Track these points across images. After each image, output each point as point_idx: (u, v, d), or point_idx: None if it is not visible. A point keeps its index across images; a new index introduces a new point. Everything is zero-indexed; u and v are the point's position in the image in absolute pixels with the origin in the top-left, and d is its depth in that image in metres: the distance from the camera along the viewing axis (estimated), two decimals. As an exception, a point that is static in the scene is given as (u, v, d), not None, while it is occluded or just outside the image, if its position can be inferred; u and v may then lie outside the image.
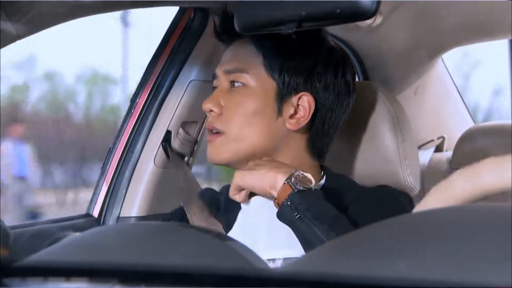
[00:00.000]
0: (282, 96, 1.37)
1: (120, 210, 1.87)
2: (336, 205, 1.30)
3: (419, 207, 0.80)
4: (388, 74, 2.17)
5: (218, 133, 1.39)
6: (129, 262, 0.74)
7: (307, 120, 1.39)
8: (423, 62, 2.20)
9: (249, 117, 1.37)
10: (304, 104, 1.38)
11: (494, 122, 2.28)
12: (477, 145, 2.10)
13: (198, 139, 1.89)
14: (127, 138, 1.87)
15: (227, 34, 1.45)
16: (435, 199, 0.78)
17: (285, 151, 1.40)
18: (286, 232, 1.29)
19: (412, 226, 0.67)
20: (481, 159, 0.76)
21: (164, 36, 1.85)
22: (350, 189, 1.40)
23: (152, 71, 1.86)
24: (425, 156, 2.26)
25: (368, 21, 1.83)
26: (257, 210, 1.40)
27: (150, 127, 1.85)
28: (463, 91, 2.42)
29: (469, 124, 2.41)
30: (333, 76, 1.41)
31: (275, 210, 1.31)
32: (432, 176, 2.18)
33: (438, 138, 2.35)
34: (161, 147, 1.85)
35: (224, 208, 1.49)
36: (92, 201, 1.89)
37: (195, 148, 1.89)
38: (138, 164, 1.86)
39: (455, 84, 2.48)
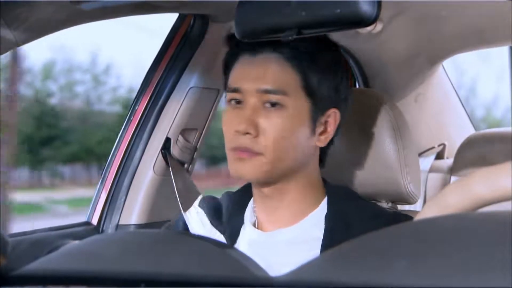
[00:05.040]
0: (316, 115, 1.35)
1: (119, 218, 1.87)
2: (339, 227, 1.30)
3: (434, 204, 0.79)
4: (389, 81, 2.17)
5: (253, 152, 1.34)
6: (128, 270, 0.74)
7: (333, 135, 1.39)
8: (424, 69, 2.20)
9: (288, 140, 1.33)
10: (331, 120, 1.37)
11: (494, 129, 2.27)
12: (478, 152, 2.10)
13: (197, 146, 1.89)
14: (126, 145, 1.87)
15: (251, 44, 1.37)
16: (431, 212, 0.78)
17: (308, 166, 1.39)
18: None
19: (411, 234, 0.66)
20: (482, 166, 0.76)
21: (163, 43, 1.85)
22: (355, 210, 1.38)
23: (151, 78, 1.86)
24: (426, 163, 2.26)
25: (369, 28, 1.82)
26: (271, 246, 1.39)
27: (149, 134, 1.85)
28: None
29: (470, 131, 2.41)
30: (347, 85, 1.41)
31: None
32: (433, 183, 2.17)
33: (439, 145, 2.35)
34: (160, 154, 1.85)
35: (226, 218, 1.48)
36: (91, 209, 1.89)
37: (194, 155, 1.88)
38: (137, 172, 1.86)
39: (455, 91, 2.48)
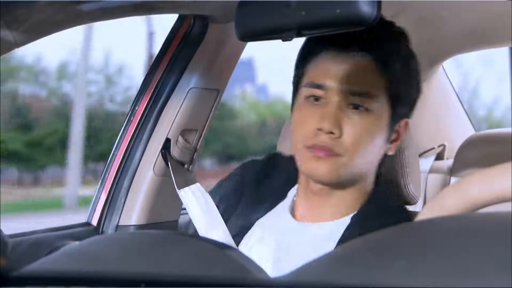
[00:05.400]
0: (394, 123, 1.34)
1: (119, 219, 1.87)
2: (356, 228, 1.31)
3: (430, 207, 0.79)
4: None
5: (333, 152, 1.31)
6: (128, 271, 0.74)
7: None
8: (424, 69, 2.20)
9: (369, 144, 1.31)
10: (402, 129, 1.37)
11: (494, 130, 2.27)
12: (478, 153, 2.10)
13: (197, 147, 1.89)
14: (126, 146, 1.86)
15: (337, 40, 1.31)
16: (430, 215, 0.78)
17: (371, 174, 1.39)
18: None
19: (411, 235, 0.67)
20: (482, 167, 0.76)
21: (163, 44, 1.85)
22: (379, 214, 1.36)
23: (151, 79, 1.85)
24: (426, 164, 2.26)
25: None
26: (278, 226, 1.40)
27: (149, 135, 1.85)
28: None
29: (470, 132, 2.41)
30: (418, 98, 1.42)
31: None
32: (433, 184, 2.17)
33: (439, 146, 2.35)
34: (160, 155, 1.85)
35: (277, 181, 1.47)
36: (91, 210, 1.89)
37: (194, 156, 1.88)
38: (137, 172, 1.86)
39: (455, 92, 2.48)
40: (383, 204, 1.37)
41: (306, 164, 1.32)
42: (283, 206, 1.42)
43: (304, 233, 1.35)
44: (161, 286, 0.69)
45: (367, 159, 1.33)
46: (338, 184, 1.34)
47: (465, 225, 0.66)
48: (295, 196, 1.43)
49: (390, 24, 1.36)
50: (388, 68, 1.31)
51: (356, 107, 1.29)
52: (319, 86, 1.31)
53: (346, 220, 1.34)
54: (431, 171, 2.25)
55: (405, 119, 1.37)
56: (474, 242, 0.61)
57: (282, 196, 1.45)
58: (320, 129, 1.28)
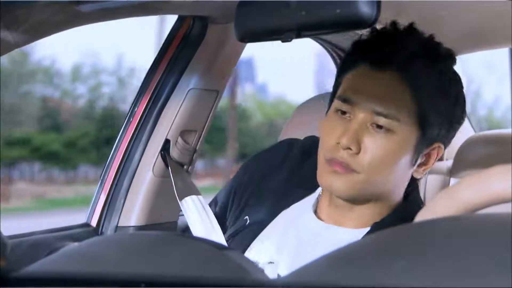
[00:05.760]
0: (422, 147, 1.31)
1: (119, 220, 1.87)
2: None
3: (426, 211, 0.79)
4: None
5: (349, 168, 1.30)
6: (127, 272, 0.74)
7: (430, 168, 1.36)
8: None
9: (388, 165, 1.29)
10: (434, 154, 1.34)
11: (494, 131, 2.27)
12: (477, 154, 2.09)
13: (197, 148, 1.89)
14: (125, 147, 1.86)
15: (377, 56, 1.30)
16: (441, 204, 0.78)
17: (395, 193, 1.37)
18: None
19: (411, 236, 0.66)
20: (482, 168, 0.76)
21: (163, 45, 1.85)
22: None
23: (151, 80, 1.85)
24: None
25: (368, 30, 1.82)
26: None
27: (148, 136, 1.85)
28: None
29: (469, 132, 2.41)
30: (461, 121, 1.37)
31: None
32: (432, 185, 2.17)
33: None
34: (159, 156, 1.85)
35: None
36: (91, 211, 1.89)
37: (194, 157, 1.88)
38: (136, 173, 1.86)
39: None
40: (408, 214, 1.37)
41: (324, 177, 1.32)
42: (309, 202, 1.42)
43: (325, 234, 1.35)
44: (160, 286, 0.69)
45: (388, 178, 1.31)
46: (357, 200, 1.34)
47: (464, 225, 0.66)
48: (320, 194, 1.42)
49: (436, 45, 1.33)
50: (422, 93, 1.28)
51: (379, 126, 1.28)
52: (346, 100, 1.30)
53: (367, 229, 1.34)
54: (431, 172, 2.24)
55: (438, 143, 1.33)
56: (473, 242, 0.61)
57: (312, 188, 1.44)
58: (339, 144, 1.28)
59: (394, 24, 1.32)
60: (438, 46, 1.32)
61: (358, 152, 1.27)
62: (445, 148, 1.35)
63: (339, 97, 1.32)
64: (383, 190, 1.33)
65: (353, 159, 1.28)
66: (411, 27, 1.33)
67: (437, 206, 0.77)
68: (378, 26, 1.50)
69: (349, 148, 1.27)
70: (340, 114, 1.31)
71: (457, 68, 1.37)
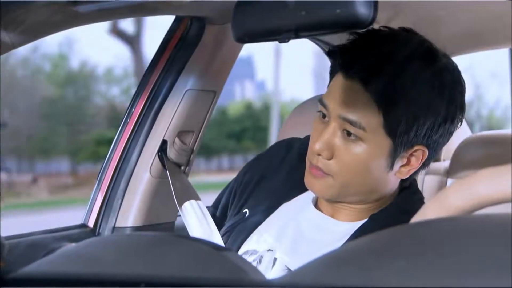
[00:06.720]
0: (396, 153, 1.31)
1: (116, 221, 1.86)
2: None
3: (417, 217, 0.79)
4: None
5: (323, 172, 1.34)
6: (125, 272, 0.73)
7: (418, 168, 1.36)
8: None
9: (360, 171, 1.31)
10: (418, 155, 1.34)
11: (491, 131, 2.27)
12: (474, 155, 2.10)
13: (194, 149, 1.89)
14: (122, 147, 1.86)
15: (348, 65, 1.30)
16: (432, 213, 0.77)
17: (383, 191, 1.38)
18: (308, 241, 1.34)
19: (410, 236, 0.66)
20: (478, 169, 0.76)
21: (160, 45, 1.85)
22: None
23: (148, 80, 1.85)
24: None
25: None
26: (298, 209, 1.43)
27: (146, 136, 1.85)
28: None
29: (466, 133, 2.41)
30: (451, 123, 1.34)
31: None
32: (429, 185, 2.17)
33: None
34: (157, 156, 1.84)
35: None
36: (88, 211, 1.88)
37: (191, 158, 1.88)
38: (133, 174, 1.86)
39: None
40: (405, 205, 1.38)
41: (306, 179, 1.37)
42: (309, 196, 1.45)
43: (323, 224, 1.39)
44: (158, 287, 0.69)
45: (363, 181, 1.34)
46: (340, 200, 1.38)
47: (463, 226, 0.66)
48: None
49: (415, 53, 1.30)
50: (389, 103, 1.27)
51: (349, 133, 1.30)
52: (324, 105, 1.33)
53: (365, 220, 1.37)
54: (428, 172, 2.25)
55: (420, 147, 1.32)
56: (472, 242, 0.61)
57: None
58: (314, 152, 1.33)
59: (370, 31, 1.31)
60: (417, 52, 1.30)
61: (330, 158, 1.32)
62: (437, 148, 1.35)
63: (319, 100, 1.35)
64: (362, 191, 1.36)
65: (325, 164, 1.32)
66: (390, 34, 1.33)
67: (427, 213, 0.77)
68: (376, 27, 1.50)
69: (321, 155, 1.32)
70: (321, 117, 1.34)
71: (464, 75, 1.36)
